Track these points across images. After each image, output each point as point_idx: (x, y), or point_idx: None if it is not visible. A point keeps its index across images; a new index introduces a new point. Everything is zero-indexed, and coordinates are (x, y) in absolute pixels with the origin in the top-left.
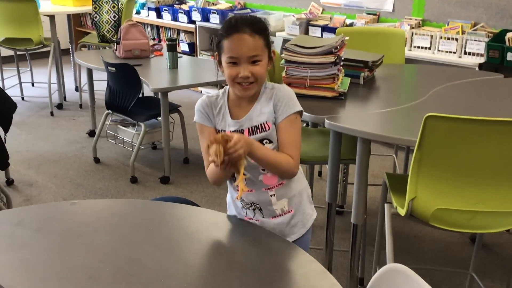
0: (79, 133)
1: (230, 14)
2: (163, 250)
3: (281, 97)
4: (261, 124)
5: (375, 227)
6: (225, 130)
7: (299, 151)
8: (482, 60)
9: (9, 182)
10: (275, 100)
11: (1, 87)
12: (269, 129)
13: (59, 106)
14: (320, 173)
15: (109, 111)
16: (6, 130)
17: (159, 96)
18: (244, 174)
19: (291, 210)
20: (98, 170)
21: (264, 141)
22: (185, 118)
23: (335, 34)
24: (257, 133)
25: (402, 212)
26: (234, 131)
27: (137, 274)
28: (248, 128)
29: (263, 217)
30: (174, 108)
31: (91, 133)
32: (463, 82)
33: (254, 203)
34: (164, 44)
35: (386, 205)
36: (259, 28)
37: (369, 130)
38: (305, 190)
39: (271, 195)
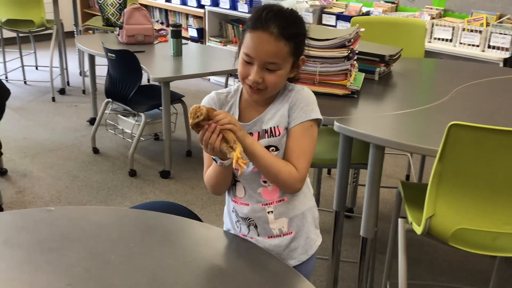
0: (80, 120)
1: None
2: (143, 272)
3: (298, 100)
4: (270, 128)
5: (385, 232)
6: None
7: (307, 164)
8: (507, 55)
9: (2, 172)
10: (291, 103)
11: None
12: (279, 134)
13: (62, 91)
14: (329, 171)
15: (109, 99)
16: None
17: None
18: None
19: (291, 232)
20: (96, 161)
21: (271, 148)
22: (189, 108)
23: (350, 23)
24: (264, 137)
25: (418, 230)
26: None
27: None
28: (258, 132)
29: (258, 235)
30: (177, 98)
31: (92, 121)
32: (488, 80)
33: (249, 219)
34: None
35: (400, 221)
36: (290, 33)
37: (383, 136)
38: (311, 211)
39: (268, 212)
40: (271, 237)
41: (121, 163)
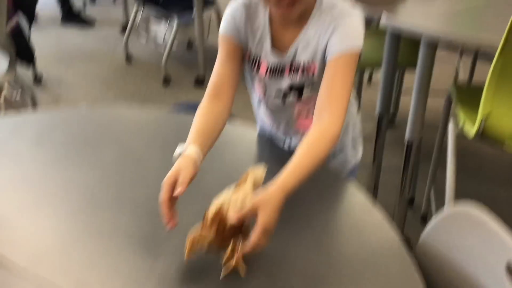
0: (112, 28)
1: None
2: None
3: (344, 24)
4: (304, 65)
5: (427, 141)
6: (260, 57)
7: (346, 104)
8: None
9: (37, 80)
10: (334, 26)
11: None
12: (313, 75)
13: None
14: (370, 79)
15: (140, 1)
16: (30, 22)
17: None
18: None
19: None
20: (129, 70)
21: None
22: (222, 13)
23: None
24: (296, 76)
25: (471, 131)
26: (272, 65)
27: (143, 202)
28: (290, 66)
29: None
30: (209, 2)
31: (124, 28)
32: None
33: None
34: None
35: (450, 123)
36: None
37: (438, 30)
38: (350, 132)
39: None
40: None
41: (154, 72)
